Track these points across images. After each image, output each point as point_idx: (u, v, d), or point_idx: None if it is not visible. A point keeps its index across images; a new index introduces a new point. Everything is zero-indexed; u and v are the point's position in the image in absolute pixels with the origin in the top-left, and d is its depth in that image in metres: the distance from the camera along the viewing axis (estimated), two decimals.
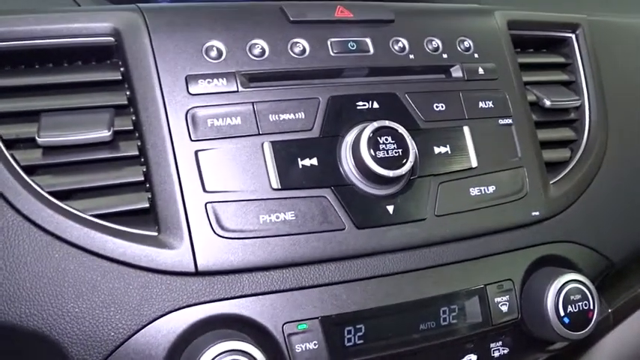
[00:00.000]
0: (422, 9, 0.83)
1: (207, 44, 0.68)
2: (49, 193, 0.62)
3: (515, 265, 0.76)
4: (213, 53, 0.68)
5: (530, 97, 0.83)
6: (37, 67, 0.67)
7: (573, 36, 0.90)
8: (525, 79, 0.83)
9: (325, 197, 0.67)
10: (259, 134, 0.66)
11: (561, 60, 0.90)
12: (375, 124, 0.67)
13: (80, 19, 0.66)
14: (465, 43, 0.79)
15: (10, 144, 0.63)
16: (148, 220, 0.64)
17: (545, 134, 0.83)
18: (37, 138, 0.62)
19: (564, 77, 0.89)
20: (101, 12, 0.68)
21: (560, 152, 0.84)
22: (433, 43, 0.77)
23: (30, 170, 0.63)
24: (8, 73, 0.66)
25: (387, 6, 0.78)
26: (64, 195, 0.63)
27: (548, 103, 0.83)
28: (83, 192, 0.64)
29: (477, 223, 0.73)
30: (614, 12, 1.00)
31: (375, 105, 0.71)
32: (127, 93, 0.67)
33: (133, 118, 0.66)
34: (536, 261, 0.77)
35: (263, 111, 0.67)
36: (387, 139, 0.67)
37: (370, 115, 0.70)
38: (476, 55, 0.79)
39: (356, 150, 0.67)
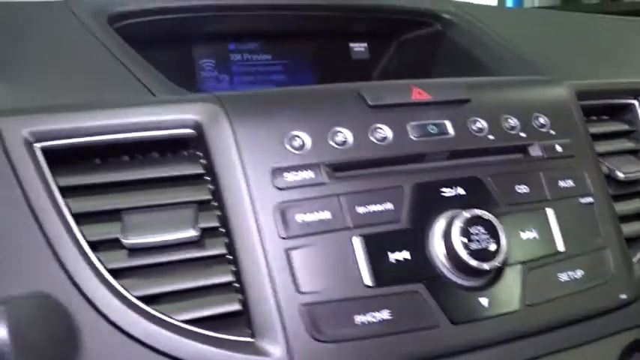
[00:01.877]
0: (493, 83, 0.82)
1: (291, 134, 0.66)
2: (137, 297, 0.59)
3: (608, 352, 0.73)
4: (297, 143, 0.65)
5: (602, 170, 0.81)
6: (110, 160, 0.65)
7: (636, 102, 0.89)
8: (596, 149, 0.81)
9: (419, 292, 0.64)
10: (349, 228, 0.64)
11: (626, 127, 0.88)
12: (466, 214, 0.65)
13: (159, 111, 0.64)
14: (540, 119, 0.77)
15: (95, 245, 0.61)
16: (238, 323, 0.61)
17: (620, 208, 0.80)
18: (122, 239, 0.60)
19: (631, 145, 0.87)
20: (180, 103, 0.66)
21: (637, 226, 0.82)
22: (509, 121, 0.75)
23: (115, 273, 0.60)
24: (87, 169, 0.64)
25: (460, 83, 0.77)
26: (150, 299, 0.60)
27: (621, 175, 0.81)
28: (170, 295, 0.61)
29: (568, 311, 0.70)
30: None
31: (460, 191, 0.69)
32: (210, 187, 0.64)
33: (218, 213, 0.64)
34: (628, 347, 0.74)
35: (350, 203, 0.65)
36: (478, 230, 0.65)
37: (457, 202, 0.68)
38: (552, 132, 0.77)
39: (448, 241, 0.64)
